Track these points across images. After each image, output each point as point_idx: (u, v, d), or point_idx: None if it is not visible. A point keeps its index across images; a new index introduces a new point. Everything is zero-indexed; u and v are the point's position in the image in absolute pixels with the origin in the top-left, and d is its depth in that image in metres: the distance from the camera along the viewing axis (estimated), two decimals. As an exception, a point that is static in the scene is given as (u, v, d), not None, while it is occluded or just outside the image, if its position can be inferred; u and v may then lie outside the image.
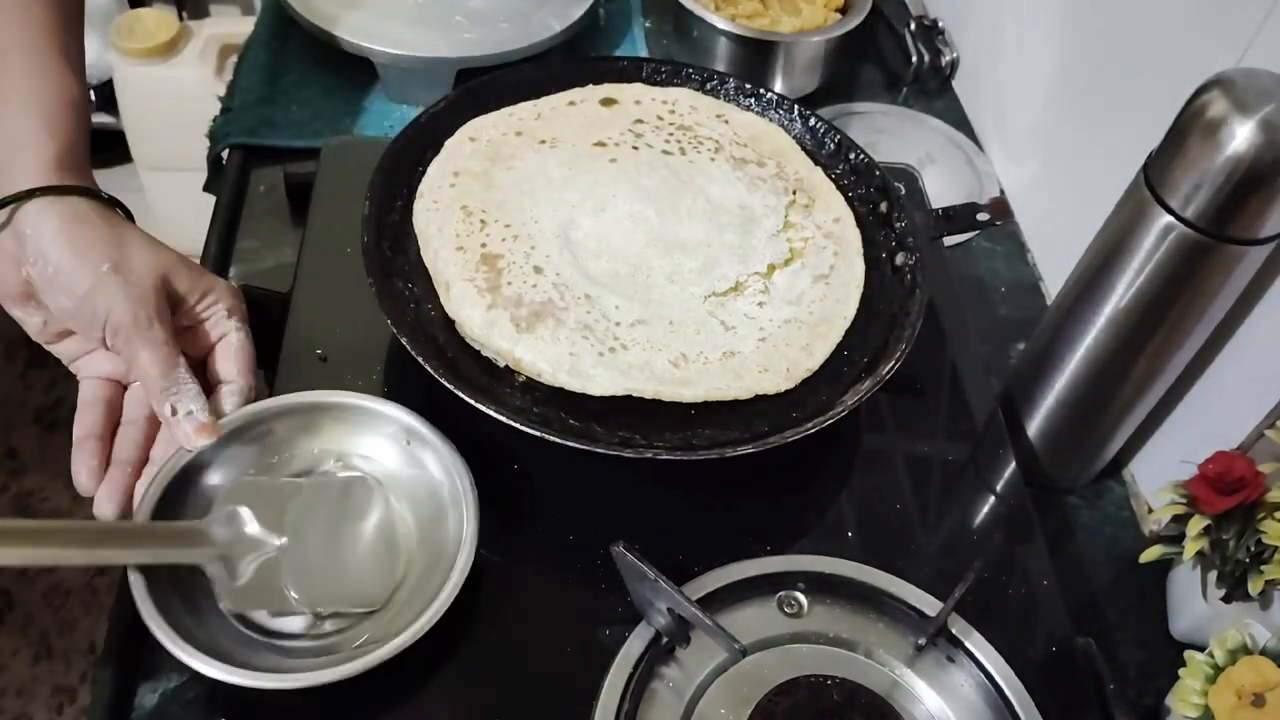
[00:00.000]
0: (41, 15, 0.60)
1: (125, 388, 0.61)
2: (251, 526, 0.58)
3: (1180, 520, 0.67)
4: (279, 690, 0.54)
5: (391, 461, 0.64)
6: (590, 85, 0.83)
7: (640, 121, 0.80)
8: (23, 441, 0.79)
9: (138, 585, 0.55)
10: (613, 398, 0.65)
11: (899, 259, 0.75)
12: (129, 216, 0.62)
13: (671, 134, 0.79)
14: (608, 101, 0.81)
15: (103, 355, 0.60)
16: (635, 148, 0.77)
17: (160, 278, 0.58)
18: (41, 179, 0.57)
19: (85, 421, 0.59)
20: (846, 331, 0.72)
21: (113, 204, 0.61)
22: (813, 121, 0.84)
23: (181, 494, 0.60)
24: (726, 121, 0.82)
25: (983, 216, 0.79)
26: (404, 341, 0.63)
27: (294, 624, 0.59)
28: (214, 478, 0.62)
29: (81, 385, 0.61)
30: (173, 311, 0.59)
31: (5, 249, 0.57)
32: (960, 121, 1.10)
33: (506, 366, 0.66)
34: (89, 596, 0.86)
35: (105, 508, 0.57)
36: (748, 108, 0.86)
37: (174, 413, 0.57)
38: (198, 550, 0.57)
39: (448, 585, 0.57)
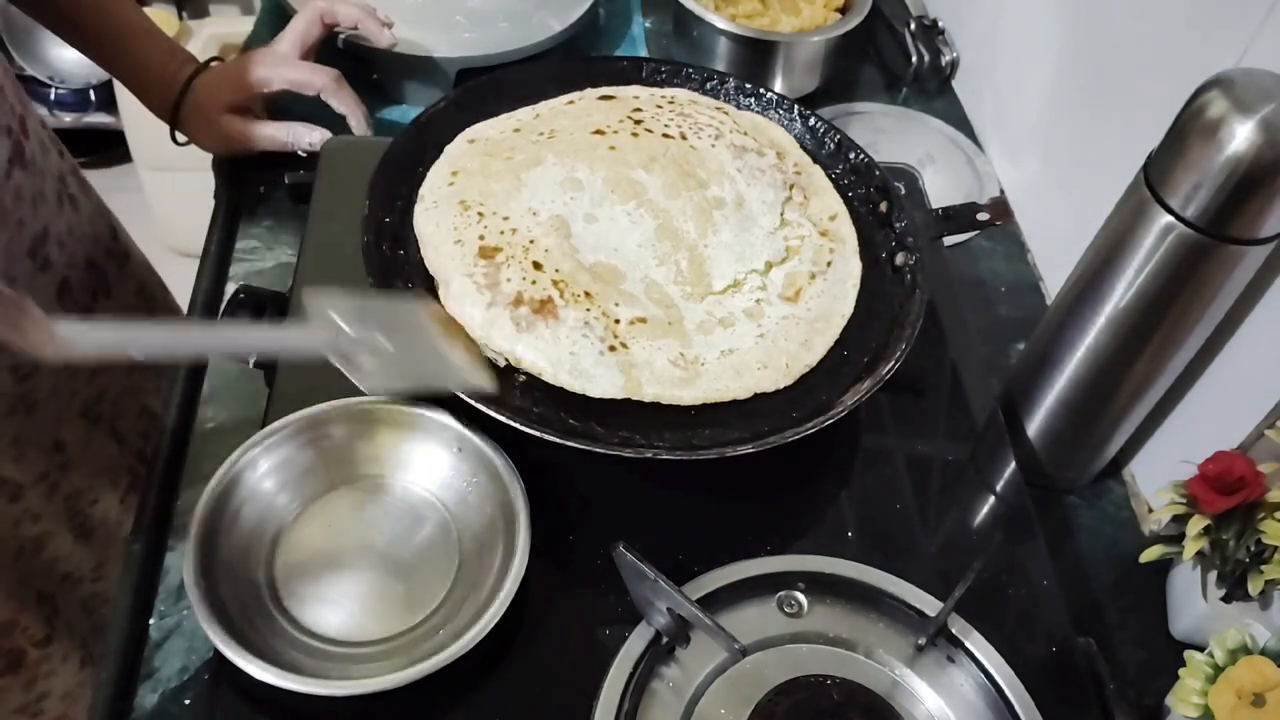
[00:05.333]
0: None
1: None
2: (351, 333, 0.61)
3: (1180, 520, 0.67)
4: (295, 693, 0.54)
5: (443, 468, 0.65)
6: (589, 88, 0.83)
7: (639, 110, 0.80)
8: (70, 434, 0.80)
9: (194, 589, 0.56)
10: (613, 397, 0.65)
11: (899, 259, 0.75)
12: None
13: (671, 119, 0.79)
14: (607, 98, 0.81)
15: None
16: (635, 134, 0.77)
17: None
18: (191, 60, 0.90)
19: None
20: (846, 331, 0.72)
21: None
22: (813, 121, 0.84)
23: (235, 496, 0.61)
24: (726, 113, 0.82)
25: (983, 216, 0.79)
26: (404, 341, 0.63)
27: (334, 628, 0.59)
28: (267, 482, 0.62)
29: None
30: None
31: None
32: (960, 121, 1.10)
33: (506, 366, 0.66)
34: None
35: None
36: (748, 107, 0.86)
37: None
38: (314, 346, 0.61)
39: (499, 595, 0.58)
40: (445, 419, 0.64)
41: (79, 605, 0.83)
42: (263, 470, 0.62)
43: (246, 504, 0.61)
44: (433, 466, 0.65)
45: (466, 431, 0.63)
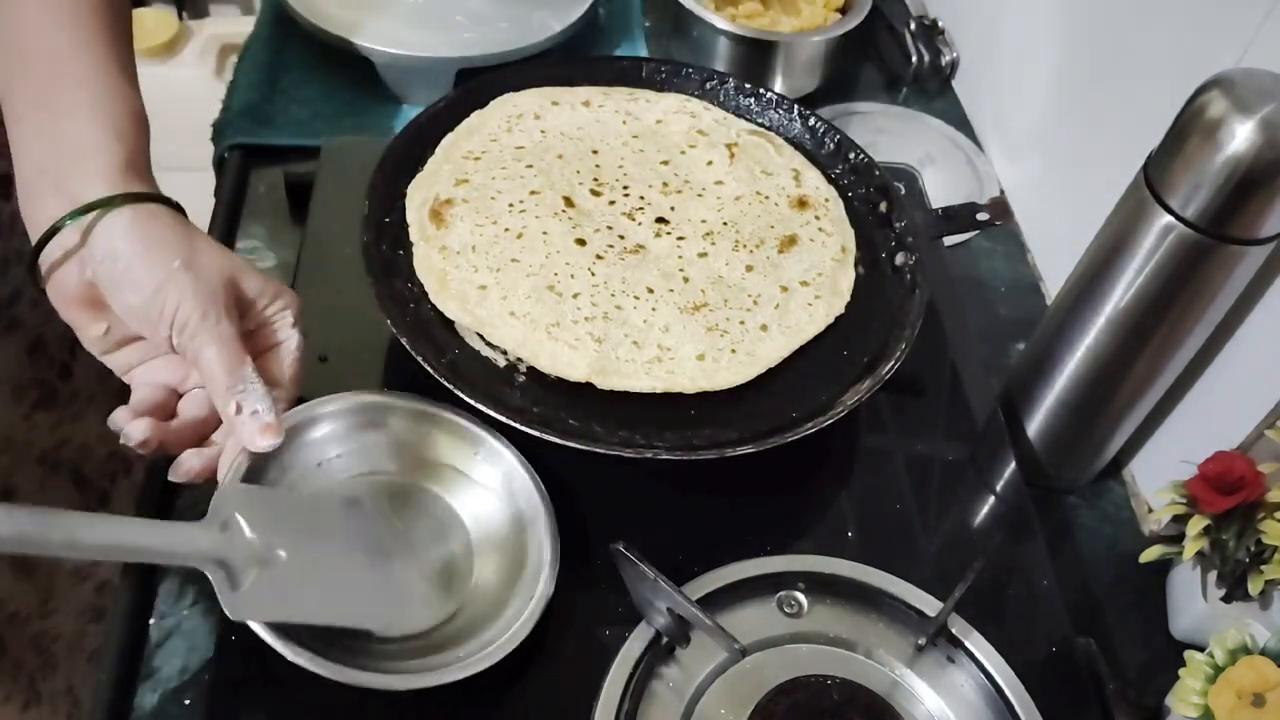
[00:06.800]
0: (95, 26, 0.60)
1: (180, 396, 0.60)
2: (248, 534, 0.53)
3: (1180, 520, 0.67)
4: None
5: (463, 470, 0.64)
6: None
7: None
8: (24, 481, 0.78)
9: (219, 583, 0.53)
10: (613, 396, 0.65)
11: (899, 259, 0.76)
12: None
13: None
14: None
15: (162, 364, 0.59)
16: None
17: (229, 278, 0.57)
18: (110, 184, 0.56)
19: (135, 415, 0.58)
20: (846, 331, 0.72)
21: (178, 208, 0.60)
22: (813, 121, 0.84)
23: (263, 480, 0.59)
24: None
25: (983, 216, 0.79)
26: (404, 342, 0.63)
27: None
28: (272, 473, 0.61)
29: (135, 391, 0.59)
30: (240, 315, 0.58)
31: (70, 249, 0.56)
32: (960, 121, 1.10)
33: (507, 366, 0.66)
34: (76, 641, 0.85)
35: (131, 429, 0.56)
36: (748, 107, 0.86)
37: (239, 411, 0.55)
38: (188, 553, 0.52)
39: (527, 610, 0.57)
40: (464, 422, 0.63)
41: (28, 644, 0.80)
42: (269, 464, 0.61)
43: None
44: (452, 468, 0.64)
45: (485, 435, 0.63)
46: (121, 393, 0.65)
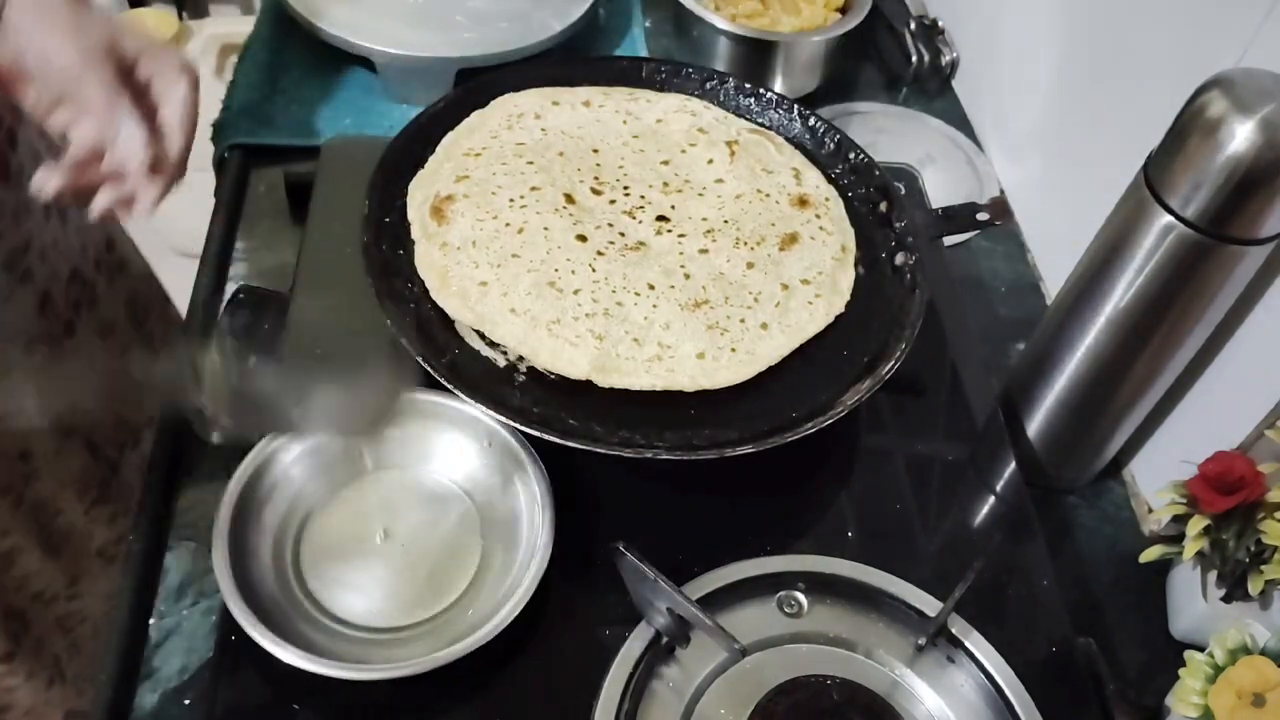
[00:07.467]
0: None
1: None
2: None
3: (1180, 520, 0.67)
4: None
5: (471, 461, 0.65)
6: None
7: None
8: (39, 444, 0.79)
9: (225, 577, 0.56)
10: (612, 396, 0.65)
11: (899, 259, 0.76)
12: None
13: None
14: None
15: (89, 121, 0.63)
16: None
17: (110, 38, 0.63)
18: None
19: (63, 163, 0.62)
20: (846, 331, 0.72)
21: None
22: (813, 121, 0.84)
23: (266, 481, 0.62)
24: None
25: (983, 216, 0.79)
26: (404, 342, 0.63)
27: (355, 612, 0.60)
28: (295, 469, 0.63)
29: (69, 151, 0.64)
30: (127, 71, 0.64)
31: None
32: (960, 121, 1.10)
33: (507, 366, 0.66)
34: (104, 624, 0.85)
35: (39, 179, 0.61)
36: (748, 107, 0.86)
37: (116, 144, 0.61)
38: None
39: (516, 594, 0.58)
40: (477, 413, 0.64)
41: (54, 623, 0.81)
42: (294, 455, 0.63)
43: (277, 489, 0.62)
44: (462, 458, 0.65)
45: (497, 427, 0.64)
46: (124, 349, 0.67)
